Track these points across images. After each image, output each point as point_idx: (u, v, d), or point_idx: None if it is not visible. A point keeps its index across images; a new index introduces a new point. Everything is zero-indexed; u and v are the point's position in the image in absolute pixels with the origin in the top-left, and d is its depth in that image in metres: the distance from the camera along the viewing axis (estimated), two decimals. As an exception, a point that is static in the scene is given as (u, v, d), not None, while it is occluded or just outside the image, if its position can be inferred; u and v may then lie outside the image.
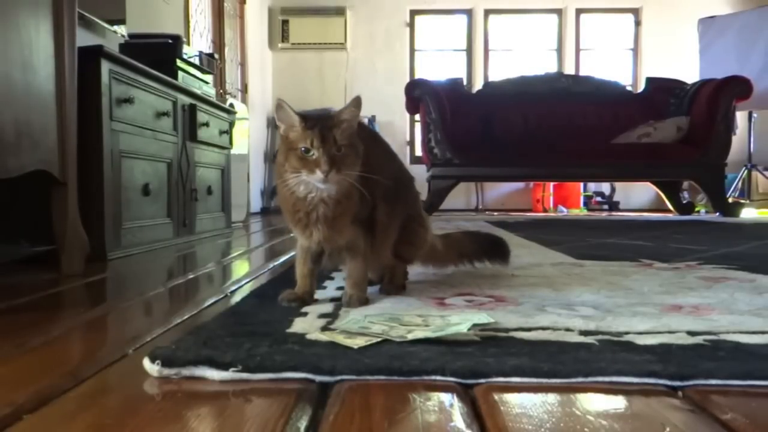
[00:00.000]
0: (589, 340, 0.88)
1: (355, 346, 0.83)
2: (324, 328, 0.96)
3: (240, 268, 2.02)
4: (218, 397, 0.71)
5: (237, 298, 1.31)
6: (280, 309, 1.11)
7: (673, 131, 4.86)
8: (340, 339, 0.86)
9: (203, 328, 0.94)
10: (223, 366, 0.75)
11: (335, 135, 1.05)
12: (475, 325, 0.90)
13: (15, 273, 1.72)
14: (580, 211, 6.59)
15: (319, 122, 1.06)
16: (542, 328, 0.94)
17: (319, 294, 1.24)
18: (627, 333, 0.92)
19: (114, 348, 0.93)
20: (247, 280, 1.61)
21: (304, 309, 1.11)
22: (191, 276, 1.72)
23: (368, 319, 0.99)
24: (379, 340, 0.86)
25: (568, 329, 0.94)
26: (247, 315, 1.06)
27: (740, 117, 6.04)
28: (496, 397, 0.70)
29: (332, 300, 1.20)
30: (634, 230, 3.25)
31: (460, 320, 0.91)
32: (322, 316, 1.06)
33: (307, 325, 0.99)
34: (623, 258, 1.91)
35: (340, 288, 1.29)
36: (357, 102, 1.09)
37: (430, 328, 0.90)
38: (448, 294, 1.26)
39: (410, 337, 0.87)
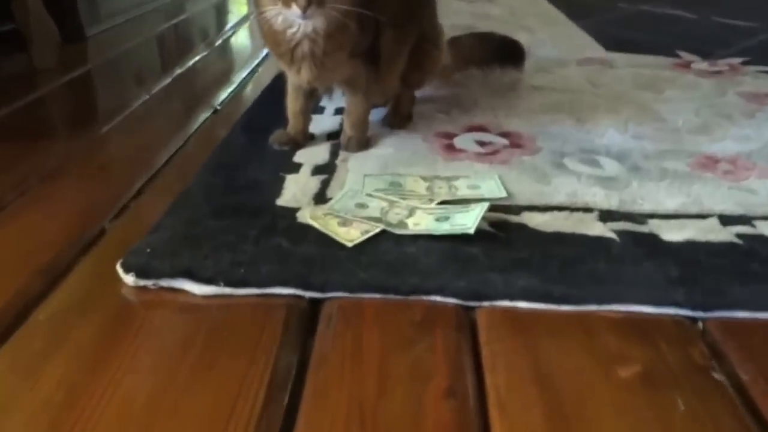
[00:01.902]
0: (610, 234, 0.79)
1: (350, 243, 0.75)
2: (317, 200, 0.87)
3: (234, 54, 1.83)
4: (201, 310, 0.67)
5: (224, 128, 1.19)
6: (271, 157, 1.01)
7: None
8: (334, 228, 0.78)
9: (184, 203, 0.85)
10: (205, 280, 0.69)
11: None
12: (482, 210, 0.80)
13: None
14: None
15: None
16: (558, 208, 0.85)
17: (315, 121, 1.12)
18: (652, 216, 0.83)
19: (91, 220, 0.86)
20: (235, 87, 1.46)
21: (298, 158, 1.00)
22: (178, 72, 1.56)
23: (366, 187, 0.89)
24: (376, 231, 0.78)
25: (587, 209, 0.85)
26: (234, 169, 0.96)
27: None
28: (498, 322, 0.65)
29: (329, 138, 1.09)
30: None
31: (467, 208, 0.81)
32: (317, 171, 0.96)
33: (300, 189, 0.89)
34: (659, 46, 1.70)
35: (339, 111, 1.16)
36: None
37: (433, 215, 0.81)
38: (458, 127, 1.13)
39: (411, 228, 0.78)
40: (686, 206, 0.86)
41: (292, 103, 1.04)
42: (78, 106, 1.36)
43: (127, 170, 0.99)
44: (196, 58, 1.68)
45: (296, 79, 0.99)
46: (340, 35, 0.91)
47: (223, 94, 1.38)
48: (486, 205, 0.81)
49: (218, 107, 1.30)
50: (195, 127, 1.19)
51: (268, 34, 0.93)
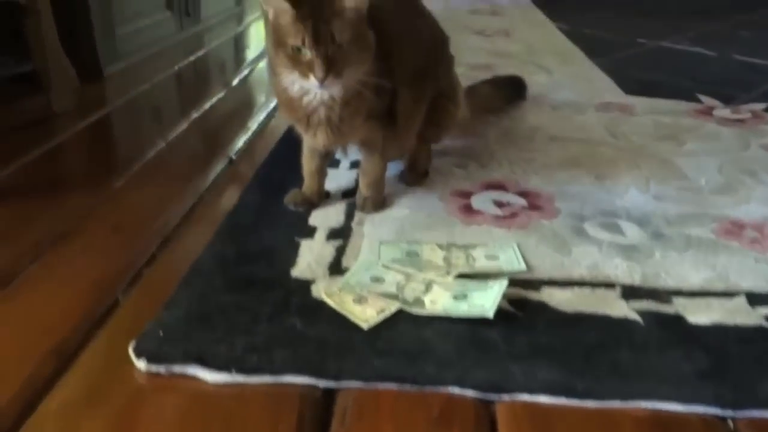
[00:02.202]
0: (633, 315, 0.76)
1: (365, 325, 0.74)
2: (332, 270, 0.85)
3: (251, 94, 1.84)
4: (213, 399, 0.65)
5: (239, 182, 1.18)
6: (286, 218, 0.99)
7: None
8: (349, 306, 0.77)
9: (197, 274, 0.84)
10: (217, 367, 0.67)
11: (334, 29, 0.82)
12: (502, 287, 0.78)
13: None
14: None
15: (314, 11, 0.82)
16: (579, 283, 0.83)
17: (330, 175, 1.11)
18: (677, 294, 0.81)
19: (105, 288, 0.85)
20: (251, 135, 1.45)
21: (313, 220, 0.99)
22: (195, 115, 1.55)
23: (383, 257, 0.87)
24: (393, 311, 0.76)
25: (609, 284, 0.82)
26: (248, 233, 0.95)
27: None
28: (518, 418, 0.63)
29: (345, 196, 1.07)
30: (691, 18, 2.85)
31: (485, 285, 0.79)
32: (332, 236, 0.94)
33: (315, 257, 0.88)
34: (679, 89, 1.68)
35: (355, 165, 1.15)
36: None
37: (451, 291, 0.79)
38: (475, 185, 1.11)
39: (428, 307, 0.76)
40: (712, 282, 0.84)
41: (308, 163, 1.03)
42: (94, 155, 1.36)
43: (140, 232, 0.98)
44: (213, 100, 1.68)
45: (312, 143, 0.98)
46: (357, 102, 0.90)
47: (239, 143, 1.37)
48: (505, 283, 0.79)
49: (233, 157, 1.30)
50: (210, 180, 1.18)
51: (284, 100, 0.92)
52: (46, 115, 1.48)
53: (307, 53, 0.83)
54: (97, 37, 1.79)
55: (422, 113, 1.06)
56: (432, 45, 1.06)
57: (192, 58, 2.13)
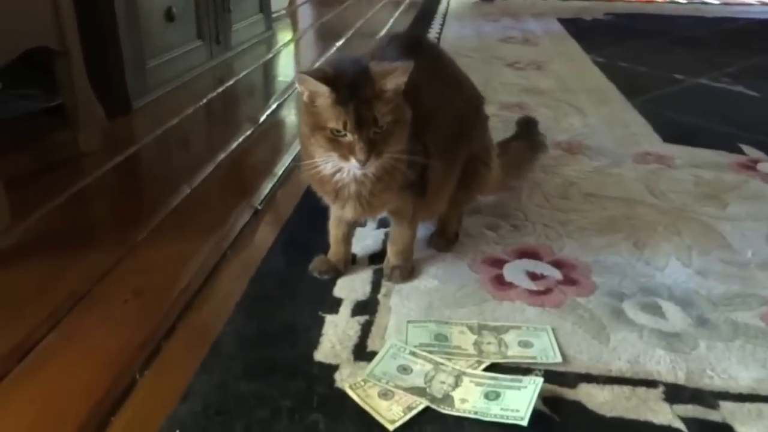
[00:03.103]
0: (678, 423, 0.71)
1: (391, 427, 0.70)
2: (357, 354, 0.81)
3: (279, 133, 1.81)
4: None
5: (263, 237, 1.15)
6: (311, 288, 0.96)
7: None
8: (375, 403, 0.73)
9: (216, 357, 0.81)
10: (233, 476, 0.64)
11: (375, 112, 0.79)
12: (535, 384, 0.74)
13: (25, 141, 1.56)
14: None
15: (354, 94, 0.79)
16: (618, 380, 0.78)
17: (357, 235, 1.07)
18: (725, 397, 0.75)
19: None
20: (276, 181, 1.43)
21: (338, 291, 0.96)
22: (222, 157, 1.53)
23: (410, 339, 0.84)
24: (420, 409, 0.72)
25: (650, 382, 0.77)
26: (270, 306, 0.91)
27: None
28: None
29: (371, 261, 1.04)
30: (730, 52, 2.76)
31: (519, 382, 0.75)
32: (358, 310, 0.91)
33: (339, 338, 0.84)
34: (720, 137, 1.62)
35: (383, 224, 1.11)
36: (405, 69, 0.79)
37: (482, 387, 0.75)
38: (507, 251, 1.07)
39: (458, 407, 0.72)
40: (762, 383, 0.78)
41: (335, 229, 1.00)
42: (118, 202, 1.35)
43: (161, 297, 0.96)
44: (240, 138, 1.66)
45: (340, 214, 0.95)
46: (389, 177, 0.87)
47: (265, 190, 1.35)
48: (539, 383, 0.74)
49: (259, 207, 1.27)
50: (234, 235, 1.15)
51: (314, 176, 0.89)
52: (72, 154, 1.47)
53: (348, 137, 0.80)
54: (127, 70, 1.78)
55: (455, 180, 1.02)
56: (466, 110, 1.02)
57: (220, 89, 2.11)
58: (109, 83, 1.73)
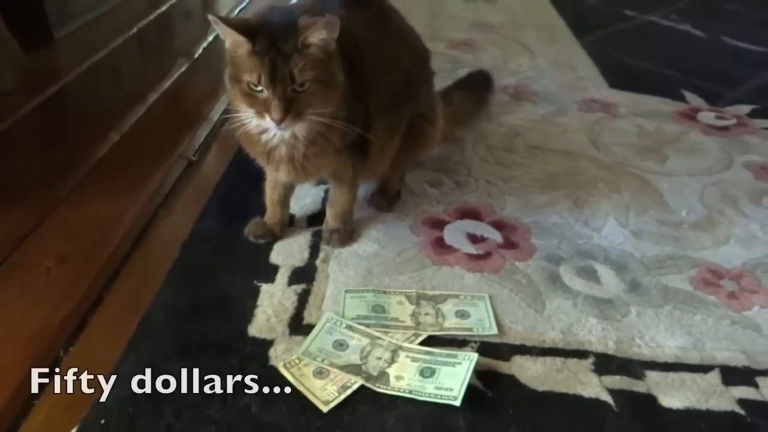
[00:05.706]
0: (605, 396, 0.73)
1: (325, 408, 0.69)
2: (293, 328, 0.80)
3: (214, 76, 1.70)
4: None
5: (197, 192, 1.10)
6: (246, 253, 0.93)
7: None
8: (309, 382, 0.72)
9: (146, 334, 0.78)
10: (162, 466, 0.63)
11: (293, 68, 0.74)
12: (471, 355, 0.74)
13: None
14: None
15: (273, 46, 0.73)
16: (551, 351, 0.79)
17: (296, 194, 1.03)
18: (651, 365, 0.78)
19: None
20: (212, 128, 1.35)
21: (274, 257, 0.93)
22: (153, 98, 1.44)
23: (347, 311, 0.82)
24: (354, 388, 0.72)
25: (581, 354, 0.79)
26: (203, 274, 0.88)
27: None
28: None
29: (310, 223, 1.01)
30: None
31: (454, 358, 0.75)
32: (295, 278, 0.89)
33: (275, 310, 0.82)
34: (665, 82, 1.62)
35: (323, 183, 1.08)
36: (329, 23, 0.73)
37: (418, 363, 0.74)
38: (449, 210, 1.06)
39: (393, 385, 0.72)
40: (687, 351, 0.81)
41: (271, 191, 0.96)
42: (40, 149, 1.26)
43: (85, 265, 0.91)
44: (174, 76, 1.56)
45: (274, 176, 0.90)
46: (323, 141, 0.83)
47: (200, 138, 1.28)
48: (474, 359, 0.74)
49: (193, 158, 1.21)
50: (166, 190, 1.10)
51: (242, 134, 0.84)
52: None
53: (264, 92, 0.75)
54: (45, -3, 1.63)
55: (397, 140, 0.98)
56: (412, 67, 0.97)
57: (153, 15, 1.96)
58: (25, 9, 1.58)
